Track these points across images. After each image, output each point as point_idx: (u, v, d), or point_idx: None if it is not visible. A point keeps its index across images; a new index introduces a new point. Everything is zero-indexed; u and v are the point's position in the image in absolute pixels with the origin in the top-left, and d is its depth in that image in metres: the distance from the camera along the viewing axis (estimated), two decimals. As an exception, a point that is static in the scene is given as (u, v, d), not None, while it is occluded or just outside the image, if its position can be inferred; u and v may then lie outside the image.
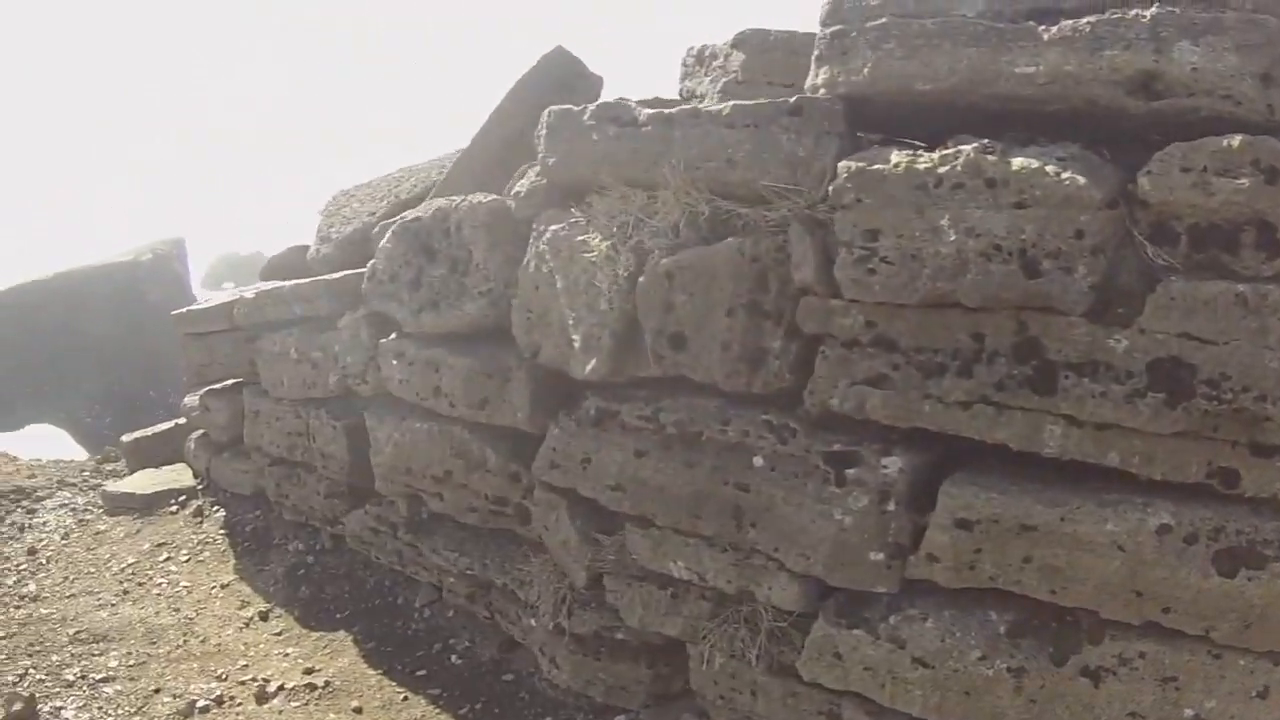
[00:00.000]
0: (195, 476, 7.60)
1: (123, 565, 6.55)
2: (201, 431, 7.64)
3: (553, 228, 3.60)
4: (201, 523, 6.88)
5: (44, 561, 6.87)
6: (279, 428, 5.72)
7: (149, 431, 8.48)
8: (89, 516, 7.58)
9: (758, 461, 3.21)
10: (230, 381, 7.16)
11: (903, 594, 3.04)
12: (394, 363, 4.42)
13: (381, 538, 5.02)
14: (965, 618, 2.91)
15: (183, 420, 8.47)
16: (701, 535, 3.39)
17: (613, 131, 3.42)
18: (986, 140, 2.74)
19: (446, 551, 4.49)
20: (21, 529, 7.53)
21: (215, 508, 7.03)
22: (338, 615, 5.31)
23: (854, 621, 3.08)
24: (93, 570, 6.62)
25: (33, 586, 6.47)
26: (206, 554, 6.41)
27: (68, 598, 6.21)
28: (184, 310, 7.12)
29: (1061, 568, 2.69)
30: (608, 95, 5.06)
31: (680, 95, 4.85)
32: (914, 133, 3.24)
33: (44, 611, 6.02)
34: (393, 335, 4.52)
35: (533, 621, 4.12)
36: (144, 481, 7.64)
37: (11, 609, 6.20)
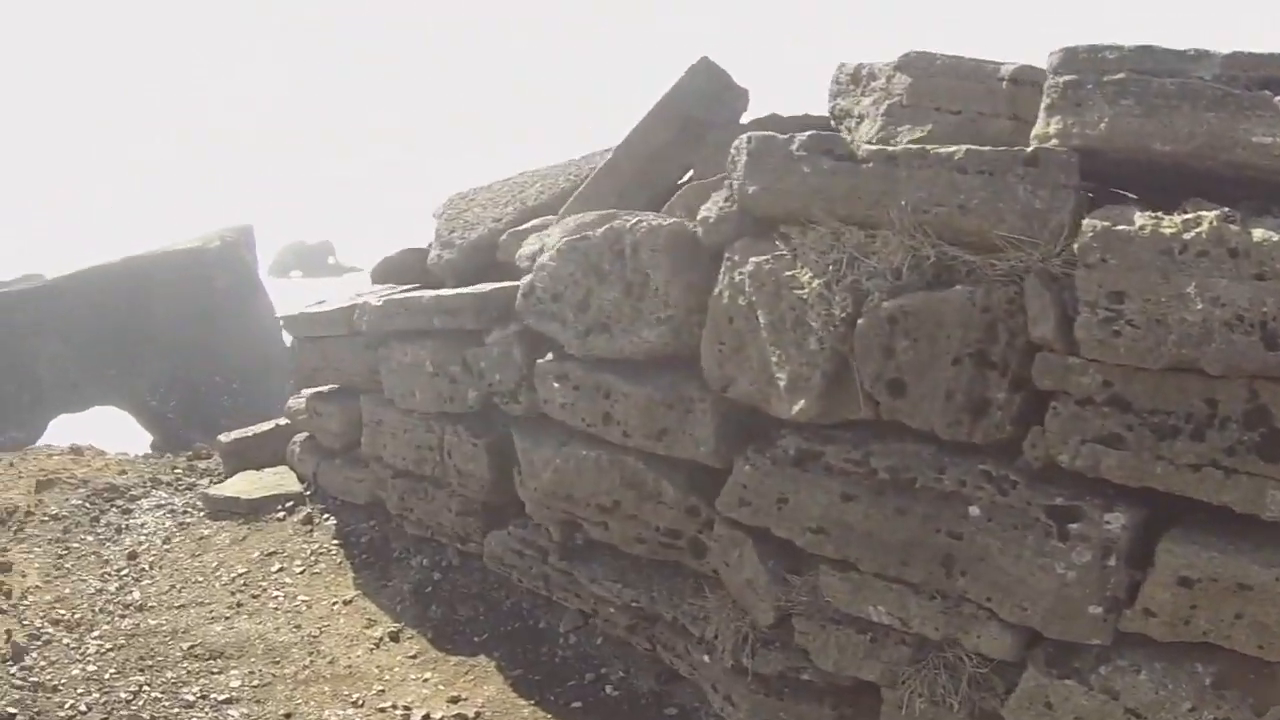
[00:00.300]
0: (301, 481, 7.83)
1: (233, 575, 6.71)
2: (307, 435, 7.82)
3: (754, 260, 3.66)
4: (312, 531, 7.08)
5: (146, 567, 7.06)
6: (407, 440, 5.86)
7: (248, 432, 8.67)
8: (189, 520, 7.80)
9: (974, 511, 3.30)
10: (334, 387, 7.39)
11: (1112, 646, 3.16)
12: (555, 385, 4.51)
13: (526, 561, 5.14)
14: (1175, 670, 3.03)
15: (283, 421, 8.67)
16: (907, 581, 3.49)
17: (827, 165, 3.48)
18: (1227, 209, 2.84)
19: (608, 582, 4.59)
20: (119, 530, 7.75)
21: (325, 515, 7.22)
22: (475, 638, 5.43)
23: (1065, 672, 3.20)
24: (200, 579, 6.77)
25: (137, 594, 6.64)
26: (322, 565, 6.59)
27: (177, 608, 6.35)
28: (298, 313, 7.27)
29: (1270, 625, 2.81)
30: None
31: (832, 114, 4.89)
32: (1141, 190, 3.33)
33: (152, 622, 6.15)
34: (549, 356, 4.62)
35: (705, 657, 4.22)
36: (247, 485, 7.84)
37: (117, 618, 6.33)
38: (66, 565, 7.19)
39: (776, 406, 3.72)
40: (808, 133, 3.58)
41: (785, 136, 3.62)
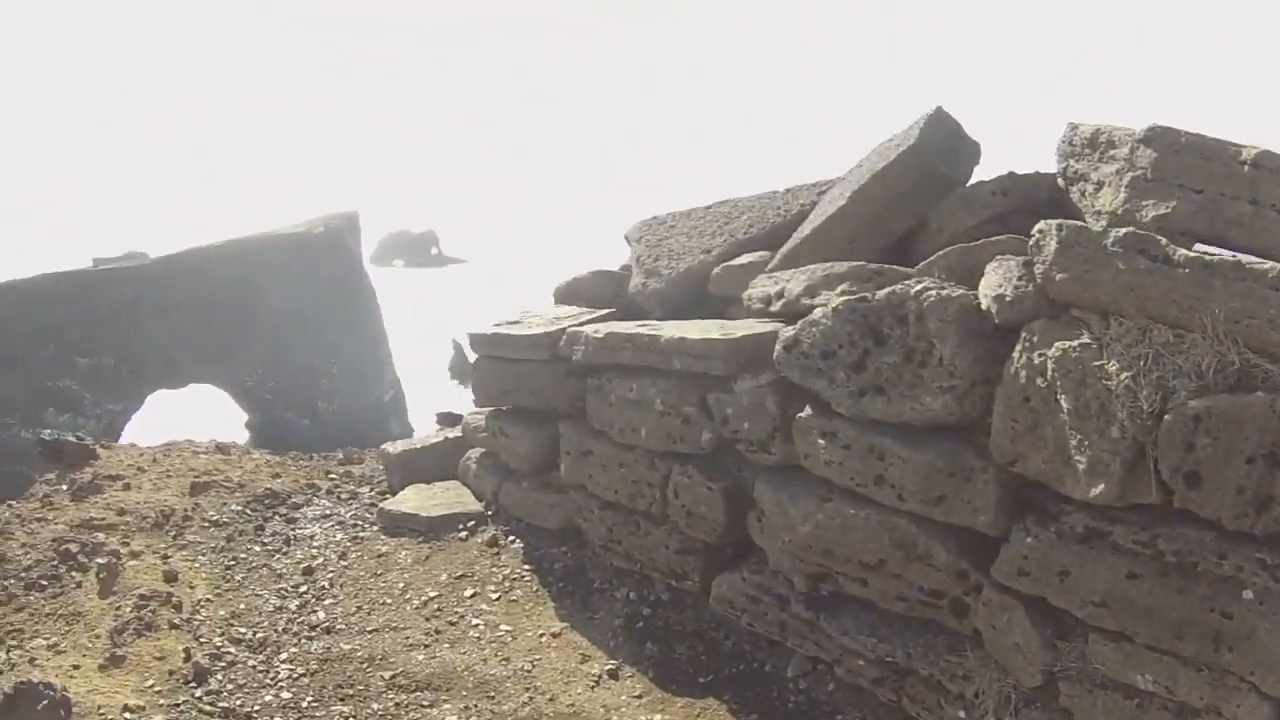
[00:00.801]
0: (479, 500, 8.35)
1: (424, 598, 7.15)
2: (483, 452, 8.38)
3: (1059, 345, 4.17)
4: (499, 554, 7.58)
5: (326, 585, 7.53)
6: (622, 474, 6.39)
7: (415, 444, 9.28)
8: (363, 534, 8.31)
9: (1247, 595, 3.88)
10: (523, 408, 7.89)
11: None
12: (820, 442, 5.03)
13: (761, 606, 5.68)
14: None
15: (451, 433, 9.27)
16: (1177, 654, 4.07)
17: (1143, 265, 4.00)
18: None
19: (860, 635, 5.13)
20: (287, 541, 8.28)
21: (511, 538, 7.72)
22: (700, 679, 5.86)
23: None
24: (388, 601, 7.21)
25: (322, 614, 7.08)
26: (518, 593, 7.06)
27: (369, 632, 6.76)
28: (490, 333, 7.79)
29: None
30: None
31: (1064, 175, 5.36)
32: None
33: (345, 647, 6.53)
34: (807, 410, 5.12)
35: (962, 713, 4.77)
36: (422, 501, 8.42)
37: (304, 640, 6.74)
38: (237, 578, 7.68)
39: (1071, 486, 4.26)
40: (1124, 230, 4.10)
41: (1099, 230, 4.15)
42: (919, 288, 4.72)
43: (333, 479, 9.67)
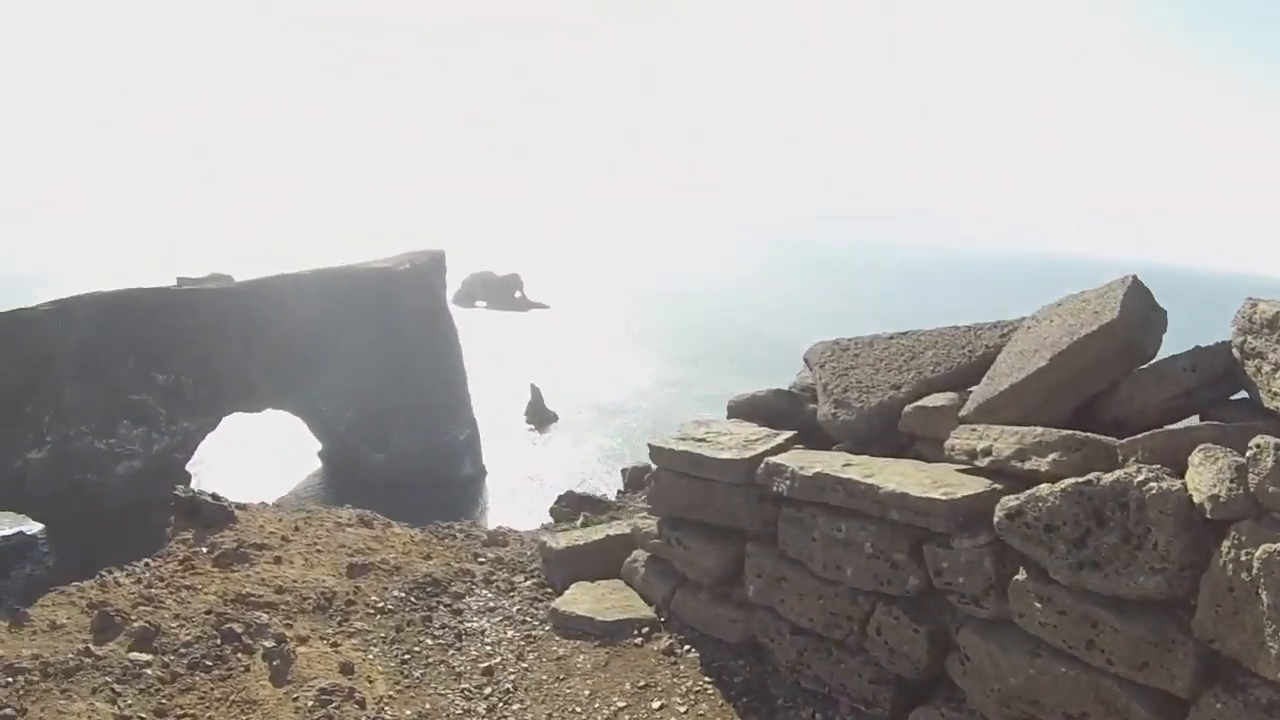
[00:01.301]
0: (648, 603, 9.01)
1: (612, 709, 7.69)
2: (650, 556, 9.18)
3: (1266, 547, 5.01)
4: (678, 664, 8.20)
5: (510, 688, 8.07)
6: (820, 605, 7.23)
7: (579, 540, 10.11)
8: (536, 633, 8.86)
9: None
10: (705, 523, 8.64)
11: None
12: (1036, 605, 5.87)
13: (958, 740, 6.50)
14: None
15: (613, 531, 10.11)
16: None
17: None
18: None
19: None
20: (458, 635, 8.86)
21: (686, 647, 8.36)
22: (889, 799, 6.70)
23: None
24: (577, 710, 7.75)
25: None
26: (704, 707, 7.69)
27: None
28: (678, 450, 8.59)
29: None
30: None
31: (1240, 349, 6.12)
32: None
33: None
34: (1024, 574, 5.94)
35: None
36: (595, 604, 9.08)
37: None
38: (415, 674, 8.31)
39: (1263, 667, 5.12)
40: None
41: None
42: (1140, 478, 5.54)
43: (482, 563, 10.40)
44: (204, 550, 9.94)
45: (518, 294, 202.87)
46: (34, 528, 67.44)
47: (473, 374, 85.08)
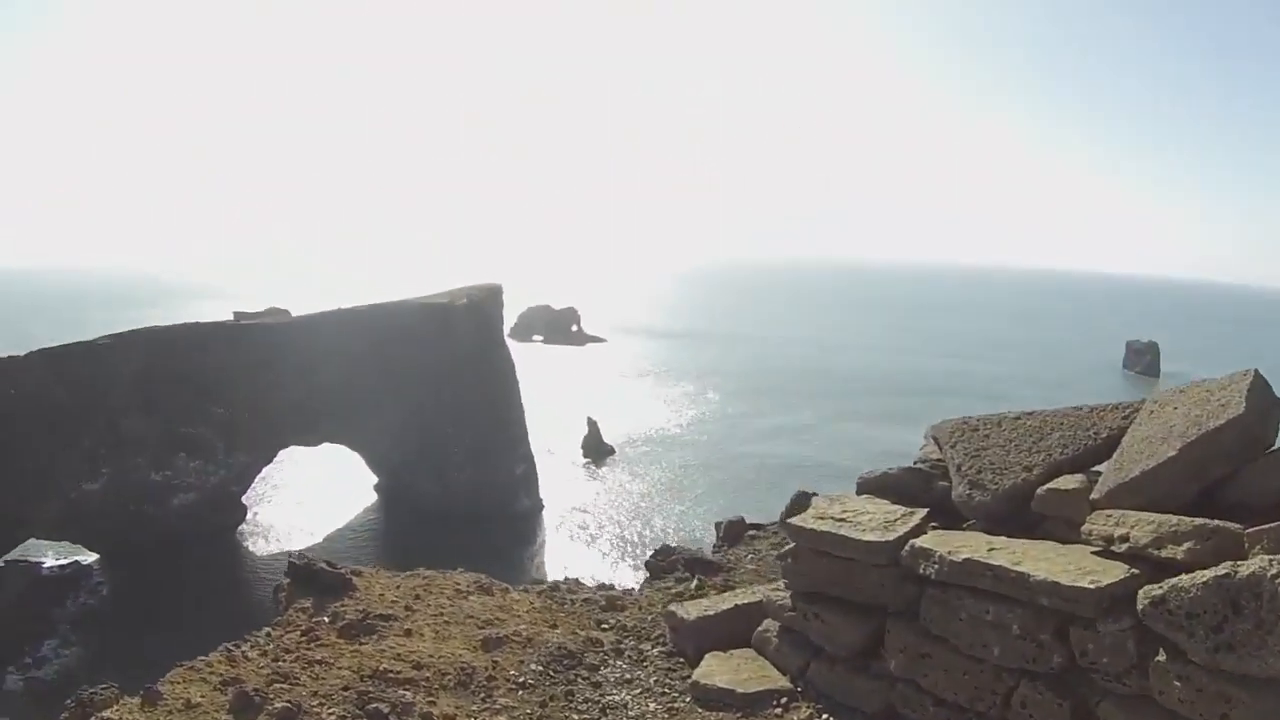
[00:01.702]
0: (782, 672, 9.29)
1: None
2: (782, 626, 9.71)
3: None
4: None
5: None
6: (965, 680, 7.80)
7: (709, 610, 10.53)
8: (677, 705, 9.05)
9: None
10: (840, 598, 9.14)
11: None
12: (1176, 683, 6.46)
13: (1100, 810, 7.14)
14: None
15: (742, 601, 10.67)
16: None
17: None
18: None
19: None
20: (603, 710, 8.95)
21: (825, 716, 8.64)
22: None
23: None
24: None
25: None
26: None
27: None
28: (820, 530, 9.06)
29: None
30: None
31: None
32: None
33: None
34: (1164, 655, 6.58)
35: None
36: (732, 675, 9.34)
37: None
38: None
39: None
40: None
41: None
42: (1273, 572, 6.14)
43: (606, 630, 10.63)
44: (326, 620, 10.07)
45: (574, 328, 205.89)
46: (89, 557, 70.55)
47: (530, 408, 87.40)
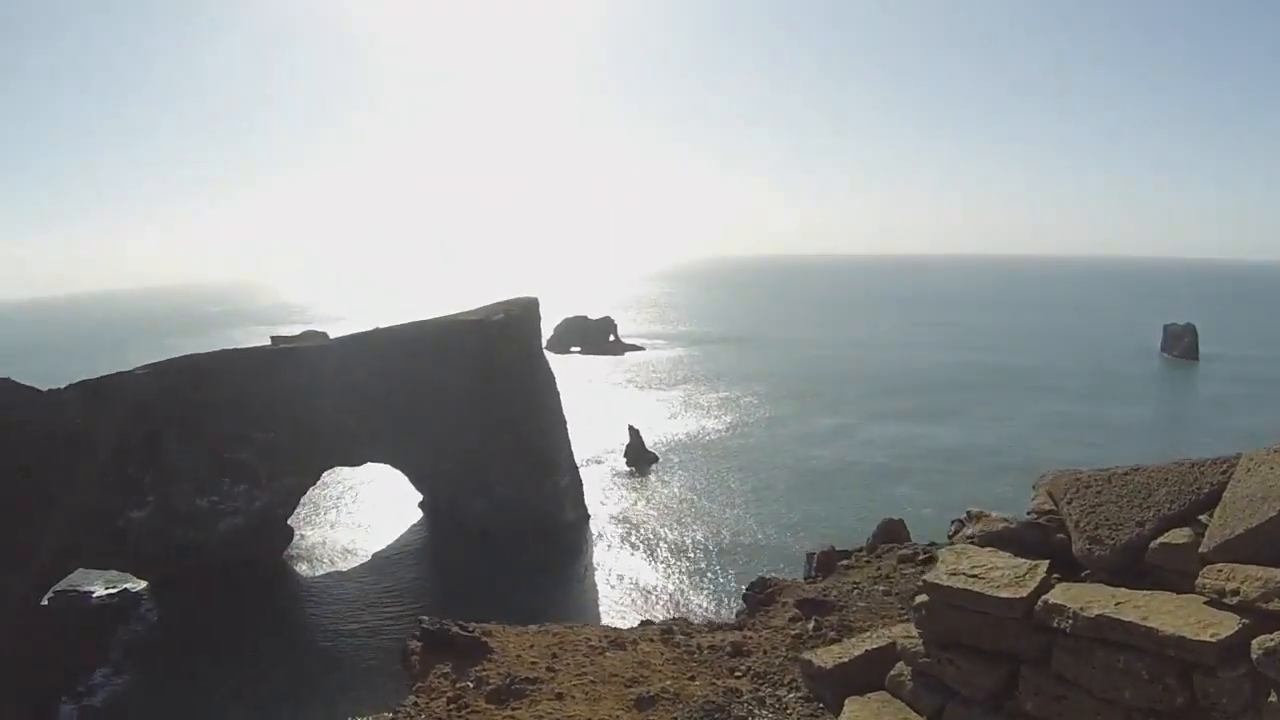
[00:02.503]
0: (919, 714, 9.95)
1: None
2: (915, 670, 10.67)
3: None
4: None
5: None
6: (1097, 719, 8.98)
7: (844, 657, 11.30)
8: None
9: None
10: (974, 646, 10.17)
11: None
12: (1287, 723, 7.69)
13: (1230, 838, 8.30)
14: None
15: (873, 646, 11.69)
16: None
17: None
18: None
19: None
20: None
21: None
22: None
23: None
24: None
25: None
26: None
27: None
28: (956, 586, 10.00)
29: None
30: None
31: None
32: None
33: None
34: (1273, 696, 7.72)
35: None
36: (873, 719, 10.10)
37: None
38: None
39: None
40: None
41: None
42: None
43: (739, 676, 11.21)
44: (471, 685, 10.41)
45: (611, 337, 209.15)
46: (138, 585, 71.66)
47: (571, 419, 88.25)
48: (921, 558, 19.77)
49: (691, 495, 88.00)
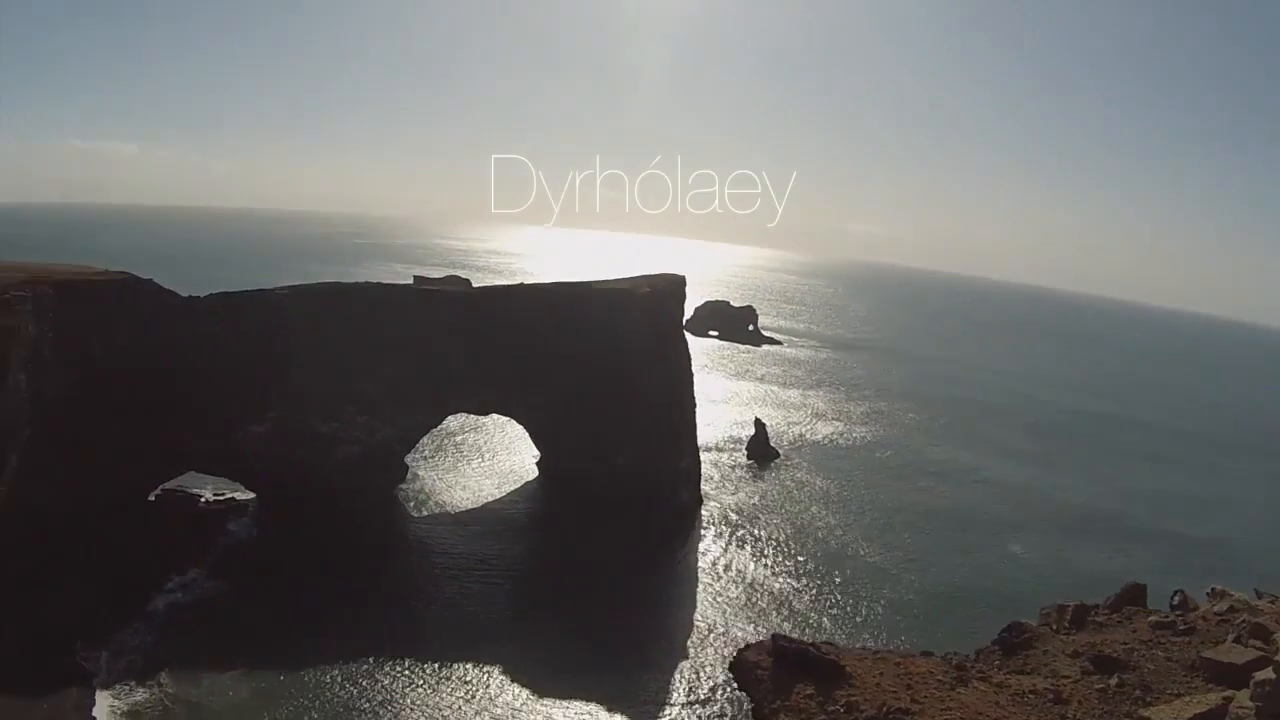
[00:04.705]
0: None
1: None
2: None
3: None
4: None
5: None
6: None
7: (1179, 717, 12.56)
8: None
9: None
10: None
11: None
12: None
13: None
14: None
15: (1197, 710, 12.49)
16: None
17: None
18: None
19: None
20: None
21: None
22: None
23: None
24: None
25: None
26: None
27: None
28: None
29: None
30: None
31: None
32: None
33: None
34: None
35: None
36: None
37: None
38: None
39: None
40: None
41: None
42: None
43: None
44: (841, 710, 11.39)
45: (750, 327, 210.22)
46: (245, 496, 73.18)
47: (699, 402, 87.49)
48: (1182, 628, 20.85)
49: (807, 499, 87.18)
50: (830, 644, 14.05)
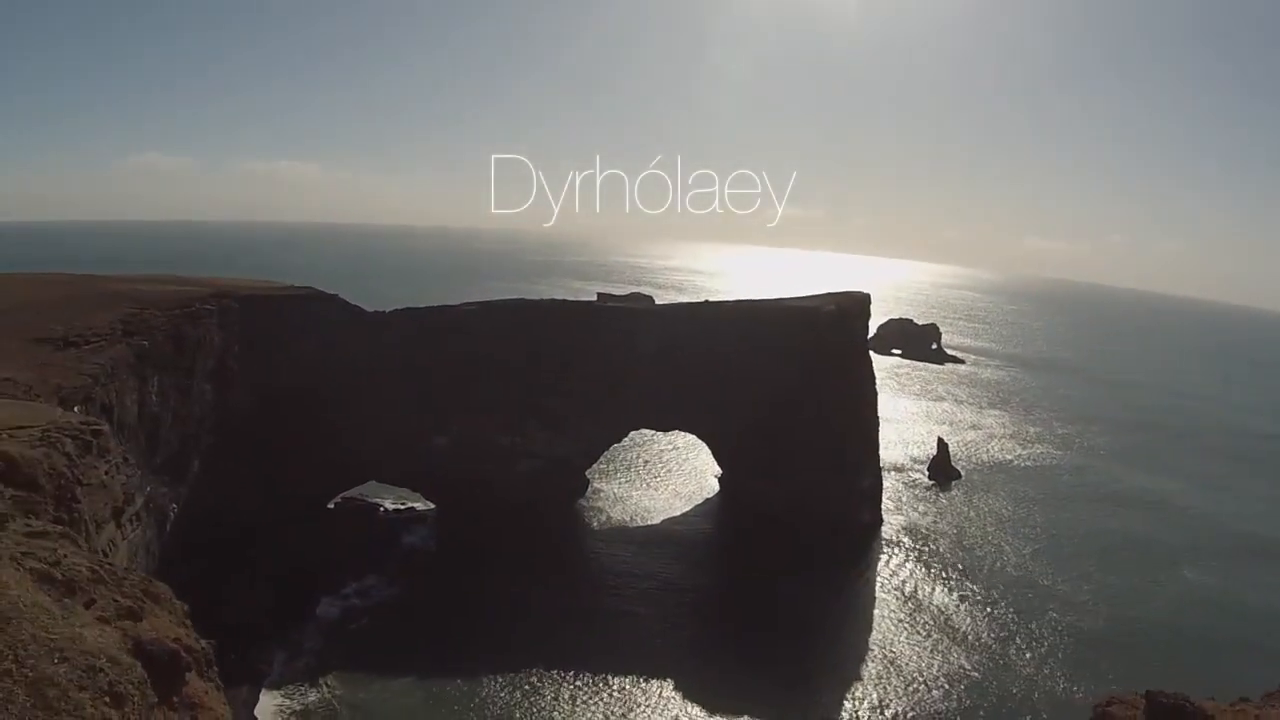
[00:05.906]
0: None
1: None
2: None
3: None
4: None
5: None
6: None
7: None
8: None
9: None
10: None
11: None
12: None
13: None
14: None
15: None
16: None
17: None
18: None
19: None
20: None
21: None
22: None
23: None
24: None
25: None
26: None
27: None
28: None
29: None
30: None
31: None
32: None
33: None
34: None
35: None
36: None
37: None
38: None
39: None
40: None
41: None
42: None
43: None
44: None
45: (934, 345, 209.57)
46: (425, 506, 75.98)
47: (881, 421, 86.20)
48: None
49: (990, 524, 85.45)
50: (1181, 694, 13.41)
